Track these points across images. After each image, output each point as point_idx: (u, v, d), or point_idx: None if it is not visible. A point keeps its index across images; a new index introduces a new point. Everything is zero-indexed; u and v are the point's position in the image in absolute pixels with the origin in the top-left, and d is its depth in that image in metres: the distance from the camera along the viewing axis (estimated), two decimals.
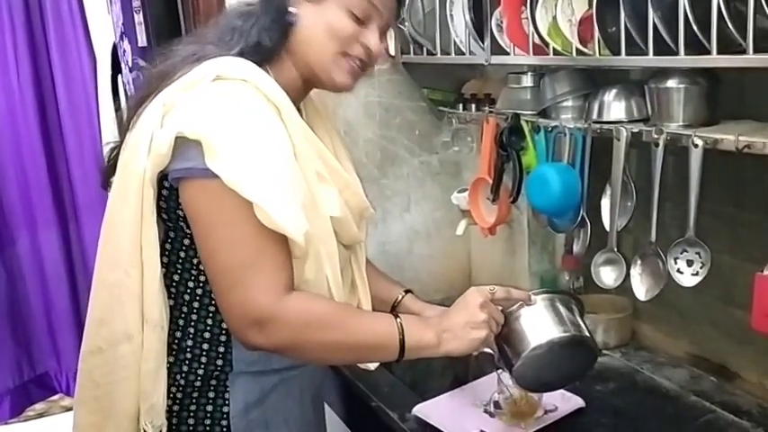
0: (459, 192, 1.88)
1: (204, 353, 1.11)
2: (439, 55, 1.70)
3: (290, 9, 1.08)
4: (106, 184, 1.14)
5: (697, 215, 1.24)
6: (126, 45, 2.52)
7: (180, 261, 1.09)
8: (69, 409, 3.03)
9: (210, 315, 1.10)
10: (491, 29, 1.52)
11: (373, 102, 1.93)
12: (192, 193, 1.00)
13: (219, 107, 0.99)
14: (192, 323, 1.11)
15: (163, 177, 1.02)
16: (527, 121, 1.55)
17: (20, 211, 2.89)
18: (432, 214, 2.07)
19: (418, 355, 1.07)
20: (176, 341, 1.11)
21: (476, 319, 1.08)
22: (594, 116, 1.40)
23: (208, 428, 1.12)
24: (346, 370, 1.55)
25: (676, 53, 1.13)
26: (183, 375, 1.11)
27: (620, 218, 1.39)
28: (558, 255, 1.87)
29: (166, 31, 2.20)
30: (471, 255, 2.14)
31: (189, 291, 1.10)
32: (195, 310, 1.11)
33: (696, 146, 1.18)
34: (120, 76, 2.76)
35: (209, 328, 1.11)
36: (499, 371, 1.33)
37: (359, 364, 1.27)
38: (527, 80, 1.58)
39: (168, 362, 1.09)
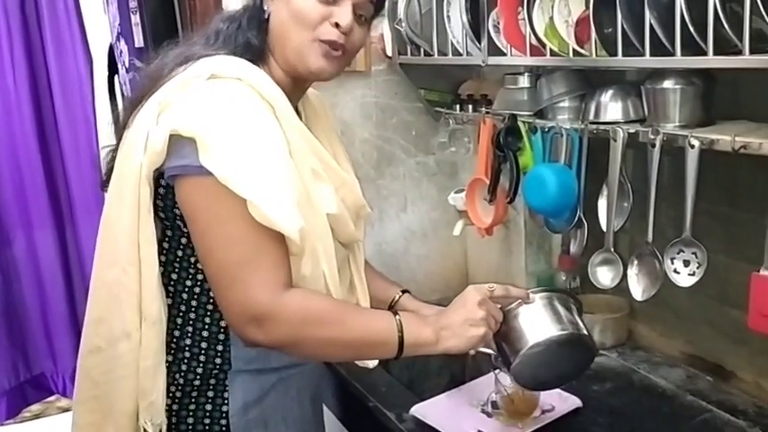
0: (455, 192, 1.89)
1: (203, 351, 1.11)
2: (436, 56, 1.71)
3: (264, 7, 1.10)
4: (105, 187, 1.14)
5: (693, 215, 1.24)
6: (123, 46, 2.51)
7: (178, 260, 1.10)
8: (66, 411, 3.04)
9: (208, 313, 1.10)
10: (488, 30, 1.53)
11: (370, 102, 1.94)
12: (188, 190, 1.00)
13: (214, 105, 1.00)
14: (191, 322, 1.11)
15: (159, 176, 1.03)
16: (524, 122, 1.55)
17: (15, 212, 2.88)
18: (428, 214, 2.07)
19: (417, 352, 1.07)
20: (175, 340, 1.11)
21: (474, 317, 1.08)
22: (591, 117, 1.40)
23: (207, 427, 1.12)
24: (343, 370, 1.55)
25: (673, 54, 1.13)
26: (182, 374, 1.12)
27: (617, 218, 1.39)
28: (554, 255, 1.88)
29: (163, 32, 2.19)
30: (468, 255, 2.14)
31: (187, 289, 1.10)
32: (193, 309, 1.11)
33: (693, 146, 1.19)
34: (116, 76, 2.75)
35: (207, 326, 1.11)
36: (497, 371, 1.33)
37: (358, 362, 1.28)
38: (524, 81, 1.58)
39: (167, 361, 1.09)
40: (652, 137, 1.25)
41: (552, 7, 1.34)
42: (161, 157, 0.99)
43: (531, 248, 1.89)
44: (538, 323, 1.14)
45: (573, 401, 1.39)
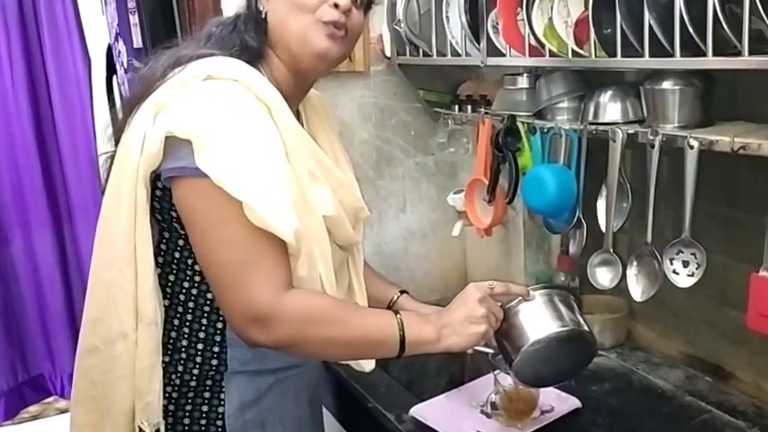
0: (455, 193, 1.89)
1: (199, 352, 1.11)
2: (435, 56, 1.71)
3: (260, 7, 1.10)
4: (105, 192, 1.14)
5: (692, 216, 1.24)
6: (121, 46, 2.51)
7: (175, 261, 1.10)
8: (64, 412, 3.03)
9: (205, 315, 1.10)
10: (487, 30, 1.52)
11: (369, 103, 1.93)
12: (185, 192, 1.00)
13: (209, 106, 1.00)
14: (187, 323, 1.11)
15: (156, 178, 1.03)
16: (523, 123, 1.55)
17: (13, 213, 2.88)
18: (427, 215, 2.07)
19: (418, 350, 1.07)
20: (171, 341, 1.11)
21: (475, 314, 1.08)
22: (590, 117, 1.40)
23: (203, 428, 1.12)
24: (342, 371, 1.55)
25: (672, 55, 1.13)
26: (179, 375, 1.12)
27: (616, 219, 1.39)
28: (553, 256, 1.88)
29: (162, 33, 2.19)
30: (467, 255, 2.14)
31: (184, 290, 1.10)
32: (190, 310, 1.11)
33: (692, 147, 1.19)
34: (114, 77, 2.75)
35: (203, 327, 1.11)
36: (496, 371, 1.33)
37: (354, 366, 1.28)
38: (523, 81, 1.58)
39: (164, 361, 1.09)
40: (651, 137, 1.25)
41: (551, 8, 1.34)
42: (157, 158, 0.99)
43: (530, 249, 1.89)
44: (539, 320, 1.14)
45: (572, 402, 1.39)
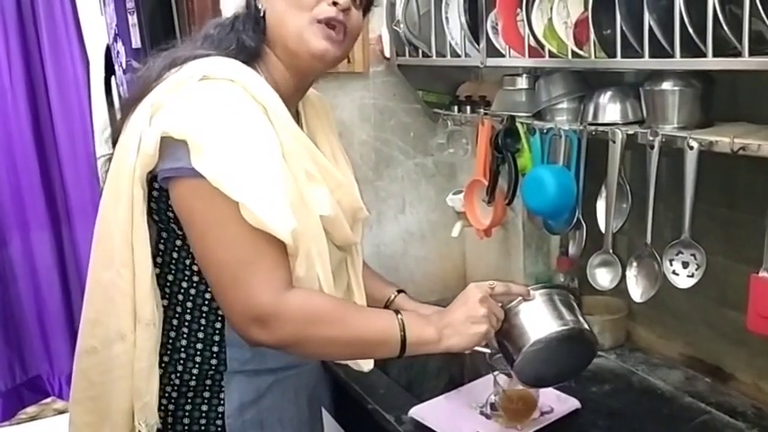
0: (454, 194, 1.89)
1: (198, 352, 1.11)
2: (434, 57, 1.70)
3: (258, 6, 1.10)
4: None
5: (692, 217, 1.24)
6: (120, 46, 2.51)
7: (173, 261, 1.10)
8: (62, 413, 3.03)
9: (204, 315, 1.10)
10: (486, 31, 1.52)
11: (368, 104, 1.93)
12: (182, 193, 1.00)
13: (205, 107, 0.99)
14: (186, 323, 1.11)
15: (153, 178, 1.03)
16: (522, 123, 1.55)
17: (12, 214, 2.87)
18: (426, 216, 2.07)
19: (419, 351, 1.07)
20: (170, 341, 1.11)
21: (476, 314, 1.08)
22: (590, 118, 1.40)
23: (203, 428, 1.12)
24: (341, 372, 1.55)
25: (672, 55, 1.13)
26: (178, 375, 1.11)
27: (616, 219, 1.39)
28: (552, 257, 1.88)
29: (160, 33, 2.19)
30: (466, 256, 2.14)
31: (183, 291, 1.10)
32: (189, 311, 1.11)
33: (691, 148, 1.19)
34: (113, 77, 2.75)
35: (202, 327, 1.11)
36: (495, 372, 1.33)
37: (352, 365, 1.27)
38: (522, 82, 1.58)
39: (163, 361, 1.10)
40: (651, 138, 1.25)
41: (551, 8, 1.34)
42: (154, 159, 0.99)
43: (529, 250, 1.89)
44: (539, 320, 1.14)
45: (572, 403, 1.39)
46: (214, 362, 1.11)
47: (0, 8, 2.74)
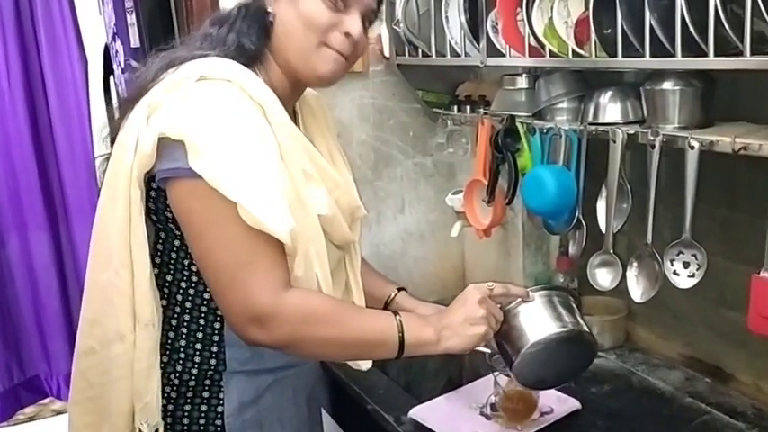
0: (453, 193, 1.88)
1: (197, 352, 1.11)
2: (434, 56, 1.70)
3: (269, 9, 1.09)
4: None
5: (693, 217, 1.24)
6: (118, 46, 2.50)
7: (172, 261, 1.09)
8: (60, 413, 3.03)
9: (203, 315, 1.10)
10: (486, 30, 1.52)
11: (367, 103, 1.93)
12: (180, 193, 1.00)
13: (202, 107, 0.99)
14: (185, 323, 1.11)
15: (150, 179, 1.02)
16: (522, 123, 1.55)
17: (10, 214, 2.87)
18: (426, 216, 2.06)
19: (417, 352, 1.07)
20: (169, 341, 1.11)
21: (475, 315, 1.08)
22: (590, 118, 1.40)
23: (202, 428, 1.12)
24: (340, 372, 1.55)
25: (672, 55, 1.13)
26: (177, 375, 1.11)
27: (616, 219, 1.39)
28: (552, 257, 1.88)
29: (159, 32, 2.18)
30: (465, 257, 2.14)
31: (181, 291, 1.10)
32: (188, 311, 1.10)
33: (692, 148, 1.19)
34: (111, 77, 2.74)
35: (201, 327, 1.10)
36: (495, 373, 1.33)
37: (351, 364, 1.27)
38: (522, 82, 1.58)
39: (162, 362, 1.09)
40: (651, 138, 1.25)
41: (551, 8, 1.33)
42: (151, 159, 0.99)
43: (529, 250, 1.89)
44: (538, 321, 1.14)
45: (572, 403, 1.39)
46: (213, 362, 1.11)
47: None
